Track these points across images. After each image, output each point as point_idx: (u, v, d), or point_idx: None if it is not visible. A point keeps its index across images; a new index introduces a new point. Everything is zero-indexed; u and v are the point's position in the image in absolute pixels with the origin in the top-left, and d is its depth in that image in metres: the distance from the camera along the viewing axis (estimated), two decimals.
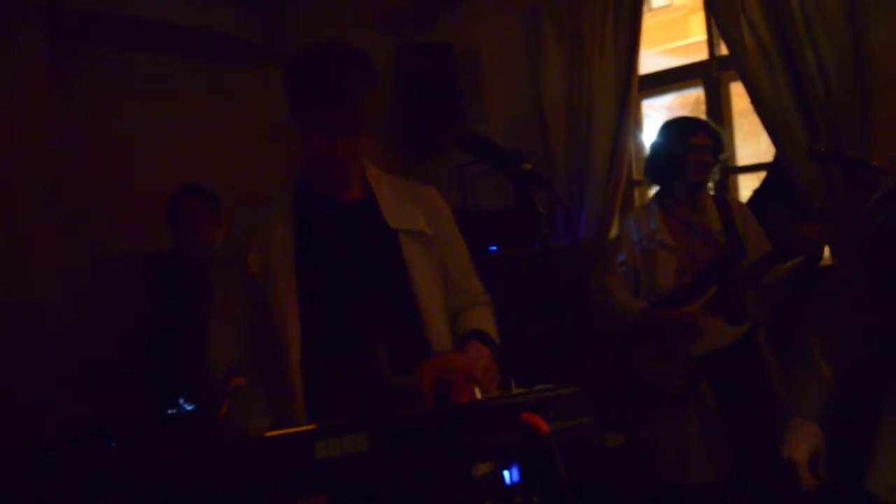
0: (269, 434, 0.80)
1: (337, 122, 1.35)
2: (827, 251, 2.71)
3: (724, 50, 3.02)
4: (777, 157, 2.84)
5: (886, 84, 2.57)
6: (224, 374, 1.27)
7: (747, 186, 3.28)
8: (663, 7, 6.88)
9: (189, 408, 2.12)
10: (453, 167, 3.52)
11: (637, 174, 3.39)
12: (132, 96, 3.12)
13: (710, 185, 2.58)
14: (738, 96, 3.13)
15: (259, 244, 1.39)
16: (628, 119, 3.12)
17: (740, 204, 2.50)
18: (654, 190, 2.67)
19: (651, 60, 4.46)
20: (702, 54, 3.28)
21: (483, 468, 0.98)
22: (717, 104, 3.20)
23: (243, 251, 1.40)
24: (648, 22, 5.65)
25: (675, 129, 2.49)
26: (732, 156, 3.25)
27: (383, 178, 1.53)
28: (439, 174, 3.33)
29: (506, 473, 0.97)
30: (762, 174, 3.11)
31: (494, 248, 2.93)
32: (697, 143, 2.43)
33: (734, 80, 3.11)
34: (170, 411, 2.16)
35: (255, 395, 1.32)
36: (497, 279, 2.82)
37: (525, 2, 3.37)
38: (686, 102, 4.52)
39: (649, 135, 3.58)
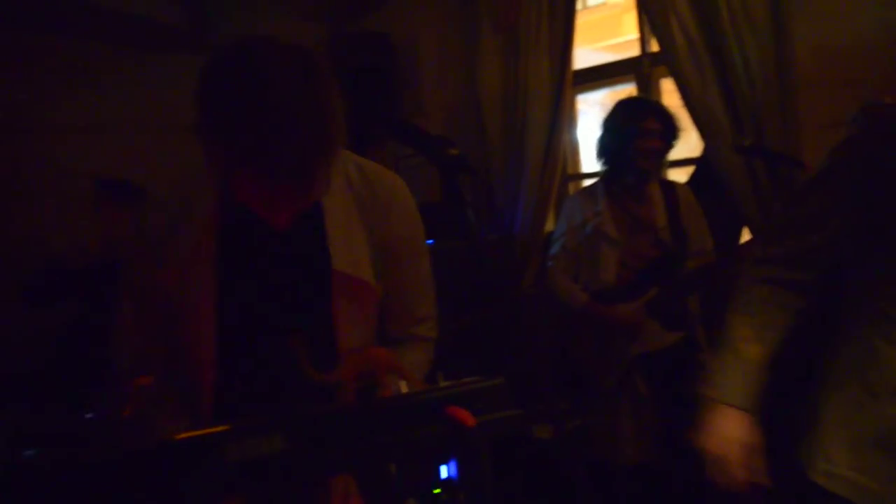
0: (177, 437, 0.75)
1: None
2: None
3: (655, 47, 3.08)
4: (705, 151, 2.92)
5: (806, 83, 2.67)
6: (129, 375, 1.18)
7: (677, 179, 3.35)
8: (598, 5, 7.01)
9: (90, 414, 1.98)
10: (390, 159, 3.49)
11: (571, 168, 3.43)
12: (56, 82, 2.96)
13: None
14: (669, 93, 3.20)
15: (178, 260, 1.16)
16: (563, 113, 3.15)
17: (687, 192, 2.45)
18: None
19: (586, 56, 4.53)
20: (634, 51, 3.35)
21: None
22: None
23: (159, 259, 1.17)
24: (583, 19, 5.72)
25: (625, 111, 2.39)
26: None
27: (338, 179, 1.20)
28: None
29: (443, 468, 0.94)
30: (691, 168, 3.19)
31: (431, 241, 2.91)
32: (647, 127, 2.33)
33: (665, 76, 3.18)
34: (87, 415, 2.05)
35: (166, 395, 1.22)
36: (434, 271, 2.82)
37: None
38: (618, 98, 4.61)
39: (583, 129, 3.64)
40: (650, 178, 2.41)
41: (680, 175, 3.39)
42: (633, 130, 2.31)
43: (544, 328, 2.63)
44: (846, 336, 1.33)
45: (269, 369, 1.16)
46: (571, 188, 3.45)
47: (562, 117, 3.14)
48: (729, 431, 1.31)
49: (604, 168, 2.45)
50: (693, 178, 3.08)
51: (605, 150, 2.42)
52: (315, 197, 1.06)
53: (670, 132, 2.39)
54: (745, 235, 2.82)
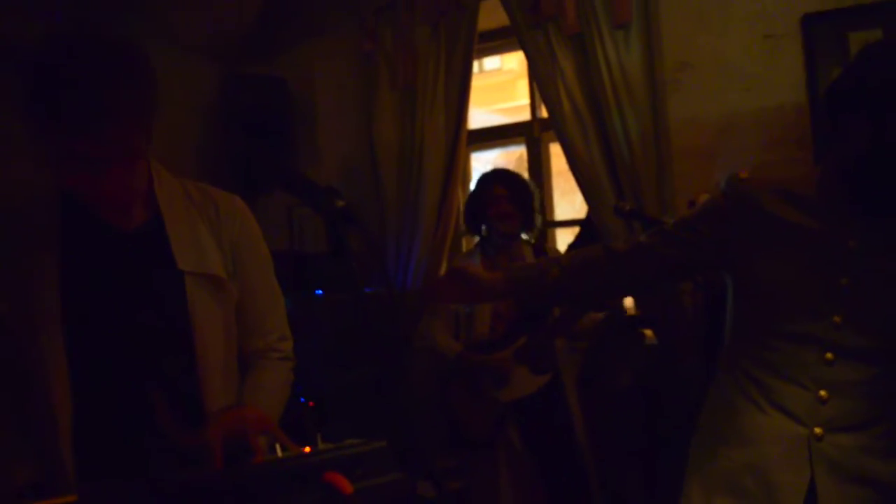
0: None
1: (95, 150, 1.05)
2: (630, 301, 2.95)
3: (545, 113, 3.23)
4: (589, 213, 3.06)
5: (679, 153, 2.89)
6: None
7: (564, 240, 3.49)
8: (494, 70, 7.34)
9: None
10: (282, 206, 3.41)
11: (464, 224, 3.49)
12: None
13: (527, 235, 2.71)
14: (557, 156, 3.36)
15: (9, 280, 1.13)
16: (457, 170, 3.21)
17: (556, 252, 2.66)
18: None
19: (481, 118, 4.70)
20: (526, 115, 3.50)
21: None
22: (538, 162, 3.41)
23: None
24: (480, 83, 5.94)
25: (478, 183, 2.68)
26: (551, 211, 3.47)
27: (176, 191, 1.27)
28: (268, 213, 3.20)
29: None
30: (577, 229, 3.33)
31: (320, 291, 2.85)
32: (496, 193, 2.59)
33: (553, 141, 3.33)
34: None
35: (14, 440, 1.10)
36: (321, 324, 2.75)
37: (361, 49, 3.40)
38: (511, 159, 4.79)
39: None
40: (514, 238, 2.62)
41: (567, 235, 3.53)
42: (484, 198, 2.58)
43: (431, 384, 2.62)
44: (715, 386, 1.42)
45: (131, 424, 1.08)
46: (464, 243, 3.50)
47: (456, 174, 3.20)
48: None
49: (470, 232, 2.72)
50: (578, 238, 3.21)
51: (469, 218, 2.69)
52: (137, 172, 1.14)
53: (518, 195, 2.62)
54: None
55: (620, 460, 2.70)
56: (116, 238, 1.19)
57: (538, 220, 2.69)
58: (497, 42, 3.43)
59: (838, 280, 1.25)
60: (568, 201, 4.14)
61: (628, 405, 2.77)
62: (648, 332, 2.88)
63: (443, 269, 3.22)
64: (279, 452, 0.92)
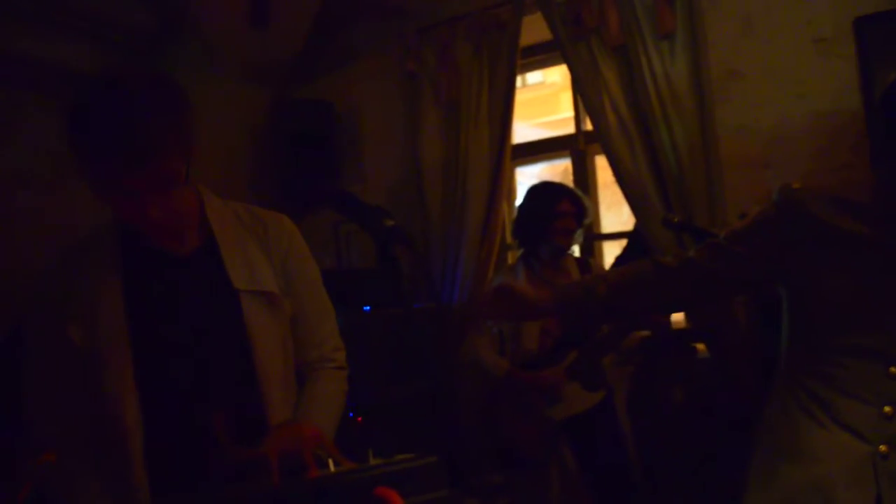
0: None
1: (135, 183, 1.09)
2: (681, 315, 2.89)
3: (589, 125, 3.21)
4: (636, 225, 3.02)
5: (729, 163, 2.83)
6: (30, 451, 1.10)
7: (611, 253, 3.45)
8: (537, 84, 7.35)
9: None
10: (328, 225, 3.47)
11: (510, 238, 3.48)
12: None
13: (575, 248, 2.69)
14: (603, 169, 3.34)
15: (81, 311, 1.17)
16: (501, 185, 3.22)
17: (600, 265, 2.62)
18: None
19: (525, 132, 4.70)
20: (570, 128, 3.48)
21: None
22: (584, 175, 3.39)
23: (59, 316, 1.18)
24: (523, 97, 5.96)
25: (541, 194, 2.60)
26: (597, 223, 3.44)
27: (227, 215, 1.33)
28: (315, 232, 3.27)
29: None
30: (624, 241, 3.29)
31: (368, 307, 2.88)
32: (562, 209, 2.54)
33: (599, 153, 3.31)
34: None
35: (83, 474, 1.16)
36: (369, 339, 2.78)
37: (405, 69, 3.45)
38: (555, 172, 4.77)
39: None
40: (565, 254, 2.58)
41: (614, 247, 3.49)
42: (549, 213, 2.53)
43: (477, 400, 2.61)
44: (772, 401, 1.39)
45: (196, 443, 1.12)
46: (510, 257, 3.49)
47: (500, 189, 3.21)
48: None
49: (520, 245, 2.66)
50: (625, 251, 3.17)
51: (524, 230, 2.60)
52: (173, 185, 1.14)
53: (581, 211, 2.60)
54: None
55: (674, 478, 2.63)
56: (173, 263, 1.24)
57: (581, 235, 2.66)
58: (540, 56, 3.44)
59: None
60: (614, 214, 4.09)
61: (682, 422, 2.71)
62: (701, 347, 2.82)
63: (488, 284, 3.21)
64: (332, 467, 0.94)
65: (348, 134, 3.68)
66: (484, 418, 2.46)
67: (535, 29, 3.21)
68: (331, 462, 0.96)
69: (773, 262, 1.33)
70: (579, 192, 2.68)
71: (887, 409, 1.21)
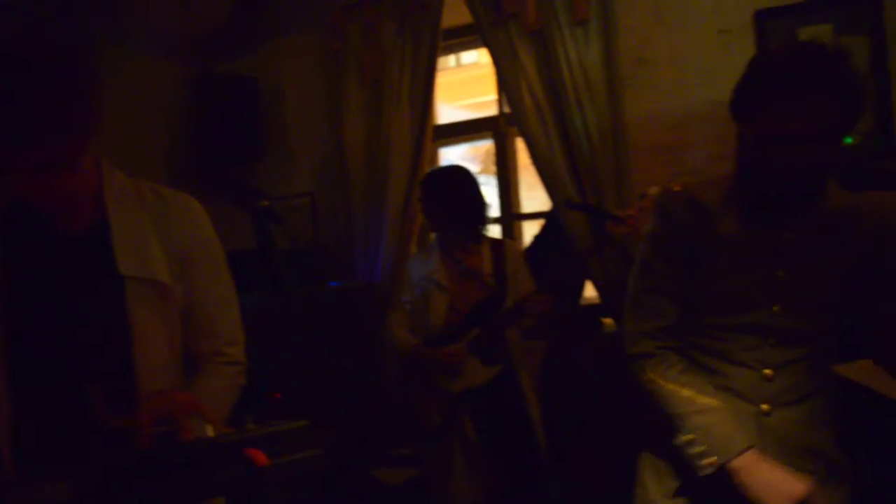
0: None
1: (25, 163, 1.05)
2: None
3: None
4: (553, 206, 3.14)
5: (637, 148, 2.97)
6: None
7: (530, 232, 3.57)
8: (471, 64, 7.39)
9: None
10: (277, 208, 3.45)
11: None
12: None
13: (492, 229, 2.77)
14: (524, 150, 3.43)
15: None
16: (423, 165, 3.28)
17: (513, 245, 2.70)
18: None
19: (454, 113, 4.76)
20: (496, 110, 3.56)
21: None
22: (504, 156, 3.48)
23: None
24: (457, 77, 5.98)
25: (442, 180, 2.63)
26: (517, 203, 3.55)
27: (127, 193, 1.27)
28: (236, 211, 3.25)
29: None
30: (543, 221, 3.40)
31: (288, 287, 2.90)
32: (422, 195, 2.59)
33: (519, 135, 3.40)
34: None
35: None
36: (290, 318, 2.81)
37: (328, 46, 3.45)
38: (479, 153, 4.86)
39: None
40: (471, 233, 2.61)
41: (533, 227, 3.60)
42: (446, 200, 2.55)
43: (392, 375, 2.69)
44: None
45: (68, 414, 1.13)
46: (432, 237, 3.56)
47: (422, 169, 3.26)
48: (763, 471, 1.29)
49: (431, 229, 2.65)
50: (543, 230, 3.28)
51: (436, 213, 2.60)
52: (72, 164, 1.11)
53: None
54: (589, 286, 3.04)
55: (582, 448, 2.78)
56: (60, 241, 1.21)
57: (489, 213, 2.66)
58: (462, 39, 3.49)
59: (775, 272, 1.33)
60: (535, 195, 4.21)
61: (590, 394, 2.85)
62: (609, 321, 2.96)
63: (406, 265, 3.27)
64: (210, 431, 0.99)
65: (272, 111, 3.66)
66: (396, 393, 2.55)
67: (457, 11, 3.26)
68: (210, 429, 1.01)
69: (676, 263, 1.43)
70: (475, 181, 2.67)
71: (767, 371, 1.35)
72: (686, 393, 1.37)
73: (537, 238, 3.27)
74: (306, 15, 3.56)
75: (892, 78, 2.74)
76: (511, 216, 3.47)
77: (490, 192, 3.57)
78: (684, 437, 1.35)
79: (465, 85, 6.37)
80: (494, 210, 3.48)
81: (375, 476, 2.81)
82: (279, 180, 3.57)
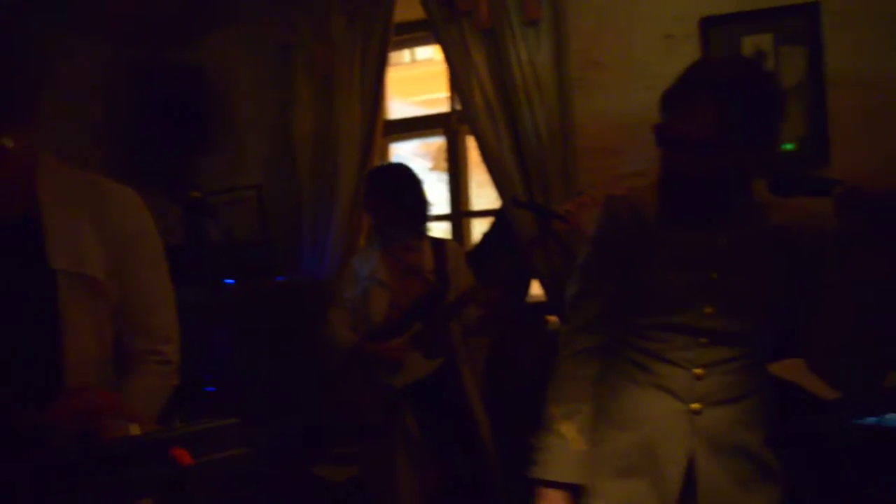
0: None
1: None
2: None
3: None
4: (503, 204, 3.15)
5: (586, 149, 3.01)
6: None
7: (480, 229, 3.58)
8: (426, 60, 7.38)
9: None
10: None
11: None
12: None
13: (435, 226, 2.78)
14: (474, 148, 3.44)
15: None
16: (373, 160, 3.26)
17: (454, 245, 2.72)
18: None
19: (407, 109, 4.74)
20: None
21: None
22: (456, 153, 3.48)
23: None
24: (412, 72, 5.95)
25: (384, 178, 2.64)
26: (467, 201, 3.56)
27: (63, 183, 1.22)
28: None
29: None
30: (492, 218, 3.42)
31: (231, 280, 2.85)
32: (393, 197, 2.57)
33: (470, 132, 3.41)
34: None
35: None
36: (232, 313, 2.76)
37: (278, 38, 3.39)
38: (430, 150, 4.86)
39: None
40: (411, 231, 2.61)
41: (483, 224, 3.62)
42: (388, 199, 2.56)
43: (334, 372, 2.66)
44: (603, 381, 1.50)
45: None
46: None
47: (371, 164, 3.24)
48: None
49: (376, 224, 2.68)
50: (492, 228, 3.30)
51: (378, 210, 2.59)
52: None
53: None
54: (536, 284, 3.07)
55: (527, 446, 2.80)
56: None
57: (431, 211, 2.66)
58: (414, 34, 3.48)
59: (708, 275, 1.37)
60: (486, 192, 4.23)
61: (534, 391, 2.88)
62: (553, 319, 3.00)
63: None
64: (134, 430, 0.96)
65: (219, 102, 3.58)
66: (338, 390, 2.53)
67: (410, 6, 3.24)
68: (134, 428, 0.98)
69: (616, 266, 1.46)
70: (418, 179, 2.66)
71: (697, 371, 1.37)
72: (555, 412, 1.46)
73: (486, 236, 3.29)
74: (257, 5, 3.49)
75: (828, 87, 2.85)
76: (461, 213, 3.48)
77: (441, 189, 3.59)
78: (535, 442, 1.46)
79: (420, 81, 6.34)
80: (445, 207, 3.50)
81: (318, 474, 2.78)
82: (226, 173, 3.50)
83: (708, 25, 2.98)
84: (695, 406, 1.37)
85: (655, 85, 3.00)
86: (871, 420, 1.96)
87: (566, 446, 1.42)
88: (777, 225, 1.38)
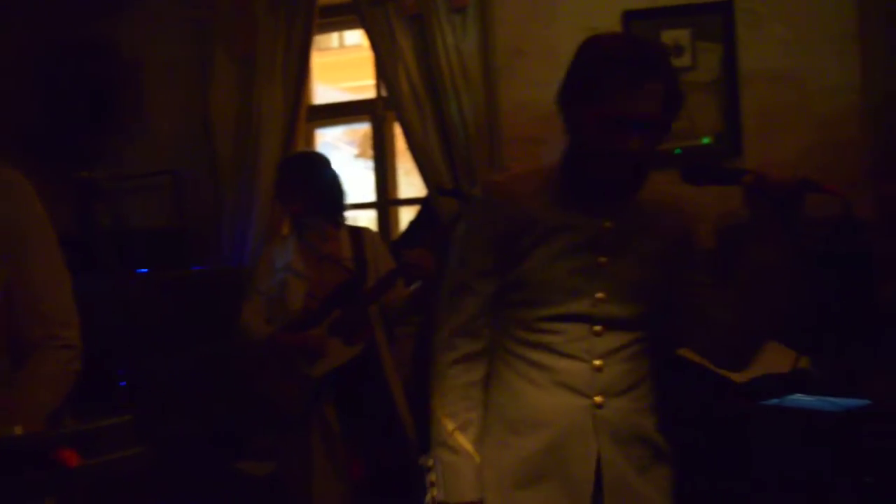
0: None
1: None
2: None
3: None
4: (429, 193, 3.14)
5: (511, 138, 3.02)
6: None
7: (407, 218, 3.56)
8: (355, 45, 7.26)
9: None
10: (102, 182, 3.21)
11: None
12: None
13: (357, 214, 2.73)
14: (400, 135, 3.40)
15: None
16: (296, 145, 3.17)
17: (372, 233, 2.66)
18: None
19: (334, 94, 4.66)
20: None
21: None
22: (382, 140, 3.43)
23: None
24: (342, 58, 5.86)
25: (297, 166, 2.55)
26: (394, 189, 3.52)
27: None
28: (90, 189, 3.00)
29: None
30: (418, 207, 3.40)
31: (144, 269, 2.73)
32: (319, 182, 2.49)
33: (396, 120, 3.37)
34: None
35: None
36: (143, 303, 2.64)
37: (196, 15, 3.25)
38: (356, 136, 4.79)
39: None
40: (327, 220, 2.51)
41: (411, 213, 3.60)
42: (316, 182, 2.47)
43: (250, 365, 2.59)
44: (492, 381, 1.42)
45: None
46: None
47: (295, 150, 3.16)
48: None
49: (290, 213, 2.58)
50: (418, 217, 3.28)
51: (293, 200, 2.50)
52: None
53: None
54: None
55: None
56: None
57: (347, 199, 2.56)
58: (340, 18, 3.40)
59: (597, 259, 1.34)
60: (413, 181, 4.20)
61: None
62: None
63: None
64: (18, 430, 0.89)
65: (133, 83, 3.40)
66: (253, 383, 2.46)
67: None
68: (18, 428, 0.91)
69: (494, 260, 1.37)
70: (331, 167, 2.57)
71: (597, 362, 1.33)
72: (447, 425, 1.36)
73: (412, 224, 3.26)
74: None
75: (741, 83, 2.96)
76: (388, 202, 3.44)
77: (367, 176, 3.54)
78: (427, 461, 1.37)
79: (348, 67, 6.22)
80: (371, 195, 3.45)
81: (239, 468, 2.71)
82: (139, 158, 3.33)
83: (630, 19, 3.04)
84: (598, 399, 1.33)
85: None
86: (774, 401, 2.06)
87: (468, 462, 1.33)
88: (656, 208, 1.37)
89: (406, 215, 3.62)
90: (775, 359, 2.21)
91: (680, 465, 1.44)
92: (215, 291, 2.85)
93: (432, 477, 1.34)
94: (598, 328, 1.34)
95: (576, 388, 1.34)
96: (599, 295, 1.34)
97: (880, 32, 2.78)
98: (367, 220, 3.59)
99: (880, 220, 2.55)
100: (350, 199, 2.59)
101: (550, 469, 1.33)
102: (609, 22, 3.02)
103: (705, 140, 3.00)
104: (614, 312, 1.35)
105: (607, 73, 1.24)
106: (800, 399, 2.07)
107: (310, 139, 3.52)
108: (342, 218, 2.54)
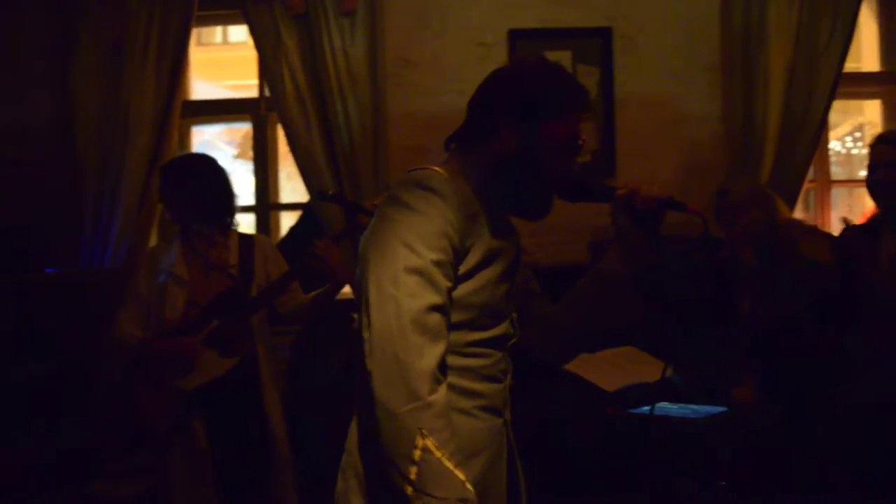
0: None
1: None
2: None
3: None
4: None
5: (396, 146, 3.00)
6: None
7: (288, 223, 3.44)
8: (240, 43, 6.99)
9: None
10: None
11: None
12: None
13: (241, 218, 2.58)
14: (283, 137, 3.29)
15: None
16: (170, 143, 2.98)
17: (264, 240, 2.54)
18: None
19: (215, 91, 4.44)
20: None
21: None
22: (263, 141, 3.30)
23: None
24: (223, 55, 5.61)
25: (183, 170, 2.36)
26: (276, 193, 3.39)
27: None
28: None
29: None
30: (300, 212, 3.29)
31: None
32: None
33: (279, 121, 3.25)
34: None
35: None
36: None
37: None
38: (236, 136, 4.61)
39: None
40: (213, 224, 2.36)
41: (292, 218, 3.48)
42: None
43: (114, 376, 2.39)
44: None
45: None
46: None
47: (167, 147, 2.97)
48: None
49: (175, 219, 2.40)
50: (300, 222, 3.18)
51: (177, 205, 2.34)
52: None
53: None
54: None
55: (325, 447, 2.71)
56: None
57: (236, 204, 2.42)
58: (223, 11, 3.24)
59: (513, 280, 1.32)
60: (296, 185, 4.08)
61: (338, 393, 2.80)
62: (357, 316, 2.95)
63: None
64: None
65: None
66: (119, 395, 2.26)
67: None
68: None
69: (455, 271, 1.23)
70: (221, 170, 2.41)
71: (507, 381, 1.32)
72: (459, 476, 1.12)
73: (292, 230, 3.16)
74: None
75: (616, 106, 3.11)
76: (268, 206, 3.31)
77: (247, 178, 3.39)
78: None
79: (231, 65, 5.96)
80: (250, 198, 3.30)
81: (93, 490, 2.48)
82: None
83: (516, 38, 3.12)
84: (508, 416, 1.32)
85: (466, 88, 3.10)
86: (644, 409, 2.16)
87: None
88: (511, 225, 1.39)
89: (287, 220, 3.50)
90: (644, 369, 2.32)
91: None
92: (72, 296, 2.61)
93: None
94: (506, 348, 1.33)
95: (496, 409, 1.31)
96: (514, 315, 1.34)
97: (737, 64, 3.02)
98: (246, 224, 3.43)
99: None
100: (239, 203, 2.44)
101: (487, 493, 1.25)
102: (496, 38, 3.09)
103: (581, 159, 3.12)
104: (517, 331, 1.35)
105: (571, 96, 1.27)
106: (666, 407, 2.19)
107: (185, 136, 3.32)
108: (232, 223, 2.38)
